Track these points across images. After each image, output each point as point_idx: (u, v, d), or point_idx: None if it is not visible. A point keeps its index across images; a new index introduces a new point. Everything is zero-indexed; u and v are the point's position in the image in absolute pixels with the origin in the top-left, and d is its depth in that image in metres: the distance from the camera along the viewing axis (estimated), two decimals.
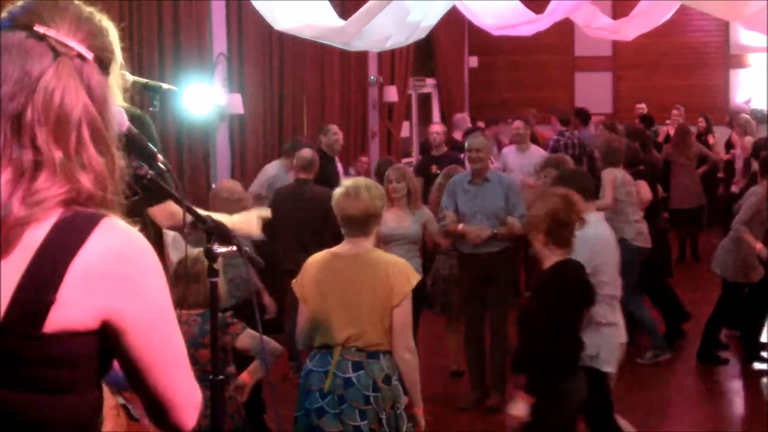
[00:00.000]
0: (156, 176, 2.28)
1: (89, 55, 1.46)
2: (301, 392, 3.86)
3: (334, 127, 8.77)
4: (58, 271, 1.38)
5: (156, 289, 1.49)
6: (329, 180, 7.44)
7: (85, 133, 1.43)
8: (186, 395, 1.57)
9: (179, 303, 3.17)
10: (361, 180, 4.07)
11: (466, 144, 6.60)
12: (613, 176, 6.93)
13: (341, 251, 3.92)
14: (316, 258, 3.97)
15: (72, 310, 1.40)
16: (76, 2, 1.49)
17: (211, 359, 2.50)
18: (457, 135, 10.80)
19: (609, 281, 4.64)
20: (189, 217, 2.40)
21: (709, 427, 5.86)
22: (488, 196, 6.12)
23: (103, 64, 1.50)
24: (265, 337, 4.03)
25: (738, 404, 6.45)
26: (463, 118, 11.79)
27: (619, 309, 4.78)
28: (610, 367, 4.56)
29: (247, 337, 3.85)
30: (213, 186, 9.28)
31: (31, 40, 1.42)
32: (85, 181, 1.42)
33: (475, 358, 6.30)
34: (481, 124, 11.92)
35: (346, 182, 4.03)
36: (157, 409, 1.55)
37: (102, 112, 1.46)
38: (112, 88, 1.53)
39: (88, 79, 1.45)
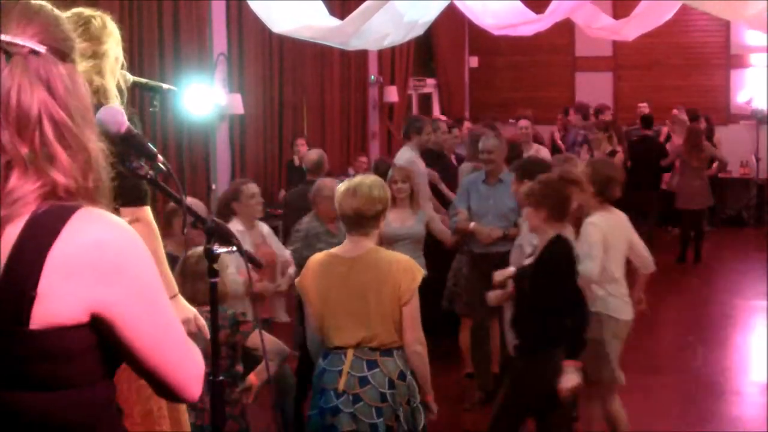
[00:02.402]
0: (156, 176, 2.28)
1: (41, 49, 1.44)
2: (315, 391, 3.85)
3: (443, 125, 8.69)
4: (35, 265, 1.38)
5: (141, 274, 1.48)
6: (448, 175, 7.45)
7: (47, 128, 1.42)
8: (188, 370, 1.58)
9: (191, 299, 3.21)
10: (368, 178, 3.98)
11: (480, 145, 6.59)
12: None
13: (342, 253, 3.88)
14: (317, 259, 3.93)
15: (56, 303, 1.39)
16: (23, 3, 1.48)
17: (212, 360, 2.50)
18: None
19: None
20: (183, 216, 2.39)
21: (709, 427, 5.85)
22: (501, 196, 6.11)
23: (62, 53, 1.48)
24: (271, 337, 4.03)
25: (738, 404, 6.44)
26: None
27: None
28: None
29: (257, 336, 3.84)
30: (213, 186, 9.31)
31: None
32: (56, 175, 1.42)
33: (481, 359, 6.30)
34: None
35: (351, 179, 3.99)
36: (163, 387, 1.57)
37: (66, 103, 1.46)
38: (79, 76, 1.51)
39: (45, 74, 1.44)
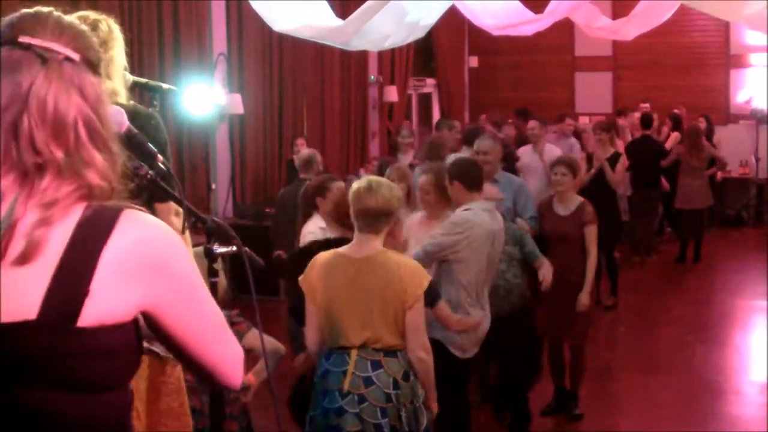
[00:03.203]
0: (156, 176, 2.28)
1: (76, 57, 1.50)
2: (317, 392, 3.83)
3: (458, 124, 8.81)
4: (88, 264, 1.42)
5: (184, 269, 1.55)
6: None
7: (82, 132, 1.47)
8: (229, 357, 1.65)
9: None
10: (383, 179, 4.02)
11: (475, 146, 6.58)
12: None
13: (351, 253, 3.86)
14: (324, 258, 3.91)
15: (107, 302, 1.43)
16: (55, 12, 1.54)
17: None
18: None
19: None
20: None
21: (709, 427, 5.86)
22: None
23: (92, 64, 1.54)
24: (267, 337, 4.04)
25: (738, 404, 6.44)
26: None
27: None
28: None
29: (252, 337, 3.85)
30: (213, 186, 9.31)
31: (17, 52, 1.46)
32: (92, 177, 1.47)
33: (480, 358, 6.30)
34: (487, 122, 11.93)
35: (368, 177, 4.01)
36: (205, 375, 1.64)
37: (97, 110, 1.50)
38: (104, 86, 1.57)
39: (78, 80, 1.49)
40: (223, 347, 1.63)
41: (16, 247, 1.40)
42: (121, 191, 1.53)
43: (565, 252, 5.79)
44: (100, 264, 1.43)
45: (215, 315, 1.62)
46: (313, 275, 3.89)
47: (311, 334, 3.95)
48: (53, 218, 1.42)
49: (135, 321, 1.50)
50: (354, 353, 3.74)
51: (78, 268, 1.42)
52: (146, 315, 1.51)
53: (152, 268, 1.48)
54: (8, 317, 1.40)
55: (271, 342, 3.97)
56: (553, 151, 8.72)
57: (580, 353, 5.93)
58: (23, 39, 1.46)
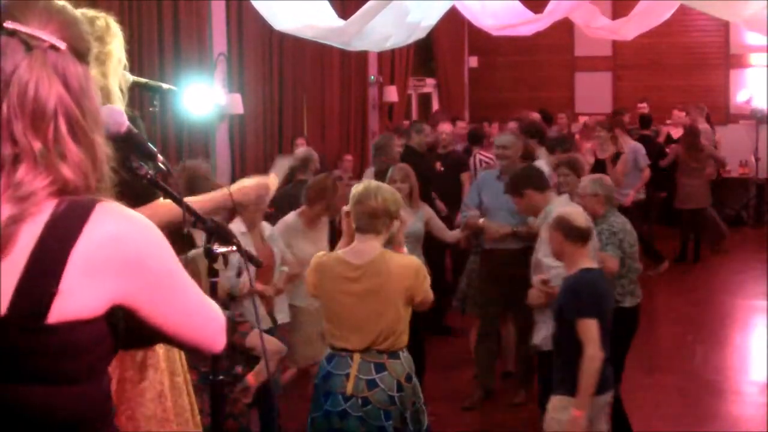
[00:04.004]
0: (156, 176, 2.28)
1: (62, 46, 1.46)
2: (318, 393, 3.83)
3: (427, 128, 8.86)
4: (58, 262, 1.39)
5: (162, 263, 1.53)
6: (425, 176, 7.53)
7: (62, 123, 1.43)
8: (210, 329, 1.67)
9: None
10: (382, 183, 4.14)
11: (495, 141, 6.67)
12: None
13: (352, 259, 3.86)
14: (326, 262, 3.91)
15: (78, 299, 1.41)
16: None
17: (211, 361, 2.50)
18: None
19: None
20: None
21: (709, 427, 5.86)
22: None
23: (79, 53, 1.50)
24: (269, 337, 4.05)
25: (738, 404, 6.44)
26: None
27: None
28: None
29: (255, 336, 3.86)
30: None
31: (2, 38, 1.42)
32: (66, 171, 1.43)
33: (484, 357, 6.31)
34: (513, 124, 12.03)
35: (367, 181, 4.09)
36: (189, 348, 1.71)
37: (79, 101, 1.47)
38: (91, 77, 1.53)
39: (63, 70, 1.45)
40: (203, 322, 1.64)
41: None
42: (103, 188, 1.49)
43: None
44: (70, 261, 1.40)
45: (194, 296, 1.62)
46: (315, 277, 3.89)
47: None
48: (26, 213, 1.39)
49: (108, 313, 1.47)
50: (357, 356, 3.74)
51: (47, 265, 1.39)
52: (121, 307, 1.48)
53: (127, 265, 1.45)
54: None
55: (273, 342, 3.98)
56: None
57: None
58: (8, 24, 1.43)
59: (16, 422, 1.43)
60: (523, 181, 5.45)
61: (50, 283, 1.39)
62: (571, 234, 4.30)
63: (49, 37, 1.45)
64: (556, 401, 4.22)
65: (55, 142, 1.42)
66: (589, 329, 4.09)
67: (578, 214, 4.47)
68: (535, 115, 10.85)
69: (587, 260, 4.36)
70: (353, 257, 3.86)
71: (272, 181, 3.18)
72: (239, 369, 3.94)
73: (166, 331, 1.58)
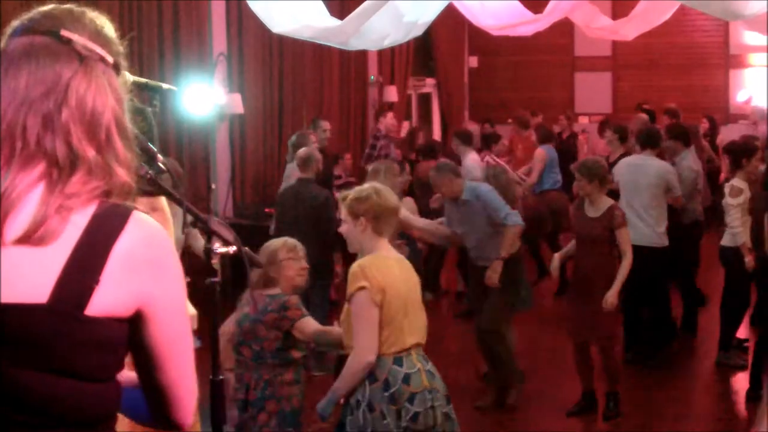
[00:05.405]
0: (156, 176, 2.28)
1: (110, 59, 1.57)
2: (400, 398, 3.66)
3: (328, 125, 8.98)
4: (101, 255, 1.47)
5: (178, 274, 1.59)
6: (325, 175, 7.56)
7: (114, 130, 1.54)
8: (190, 391, 1.67)
9: (254, 285, 3.63)
10: (375, 183, 4.11)
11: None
12: None
13: (391, 255, 3.82)
14: (376, 262, 3.76)
15: (113, 294, 1.48)
16: (88, 13, 1.60)
17: (212, 361, 2.50)
18: None
19: None
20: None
21: (709, 427, 5.86)
22: (471, 215, 6.10)
23: (118, 68, 1.60)
24: (327, 327, 4.12)
25: (738, 405, 6.44)
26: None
27: None
28: None
29: (304, 325, 3.94)
30: (213, 186, 9.31)
31: (56, 44, 1.51)
32: (120, 173, 1.53)
33: (493, 359, 6.32)
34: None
35: (373, 184, 4.05)
36: (162, 404, 1.65)
37: (123, 110, 1.58)
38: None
39: (110, 81, 1.56)
40: (188, 378, 1.65)
41: (34, 229, 1.44)
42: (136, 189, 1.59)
43: (594, 253, 5.79)
44: (111, 256, 1.47)
45: (190, 340, 1.66)
46: (378, 281, 3.69)
47: (374, 342, 3.69)
48: (73, 207, 1.47)
49: (131, 318, 1.53)
50: (413, 351, 3.74)
51: (91, 258, 1.47)
52: (140, 315, 1.53)
53: (152, 264, 1.53)
54: (19, 298, 1.43)
55: (329, 332, 4.03)
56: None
57: (609, 353, 5.91)
58: (65, 33, 1.51)
59: (38, 413, 1.47)
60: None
61: (92, 275, 1.46)
62: None
63: (100, 50, 1.55)
64: None
65: (108, 148, 1.52)
66: None
67: None
68: (642, 116, 10.63)
69: None
70: (390, 254, 3.83)
71: None
72: (296, 354, 4.02)
73: (159, 359, 1.58)
